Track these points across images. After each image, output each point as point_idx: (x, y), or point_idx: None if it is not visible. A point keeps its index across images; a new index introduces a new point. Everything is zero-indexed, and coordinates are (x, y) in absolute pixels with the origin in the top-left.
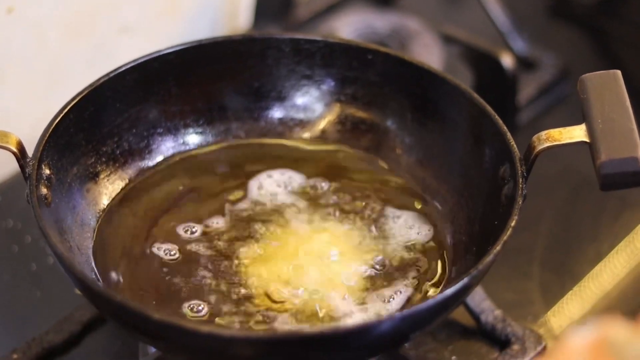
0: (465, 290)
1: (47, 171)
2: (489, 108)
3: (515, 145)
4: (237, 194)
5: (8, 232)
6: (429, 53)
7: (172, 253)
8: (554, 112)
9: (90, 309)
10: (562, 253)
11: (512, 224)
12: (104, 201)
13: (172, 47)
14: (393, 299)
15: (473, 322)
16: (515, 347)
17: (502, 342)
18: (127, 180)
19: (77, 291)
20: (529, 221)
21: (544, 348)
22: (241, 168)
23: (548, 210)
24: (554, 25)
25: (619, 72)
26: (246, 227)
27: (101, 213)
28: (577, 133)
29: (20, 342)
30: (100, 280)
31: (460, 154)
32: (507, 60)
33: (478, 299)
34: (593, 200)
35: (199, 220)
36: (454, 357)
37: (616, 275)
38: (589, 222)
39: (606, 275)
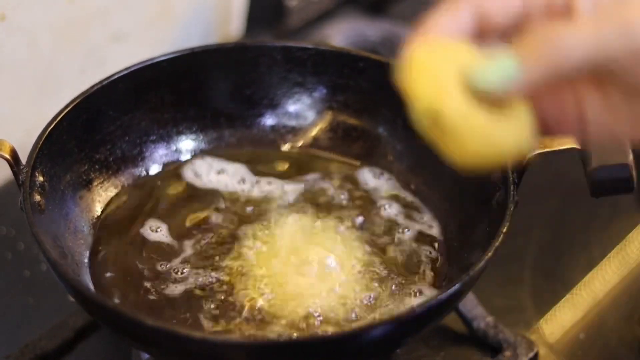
0: (457, 296)
1: (41, 178)
2: None
3: None
4: (229, 197)
5: (1, 239)
6: None
7: (166, 257)
8: None
9: (83, 316)
10: (554, 259)
11: (504, 230)
12: (97, 208)
13: (164, 54)
14: (384, 305)
15: (465, 329)
16: (507, 353)
17: (494, 349)
18: (120, 187)
19: (71, 298)
20: (521, 227)
21: (536, 355)
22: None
23: (539, 216)
24: None
25: None
26: (239, 229)
27: (94, 220)
28: (568, 139)
29: (13, 348)
30: (94, 287)
31: None
32: None
33: (470, 305)
34: (584, 206)
35: (193, 225)
36: None
37: (608, 282)
38: (580, 228)
39: (598, 282)
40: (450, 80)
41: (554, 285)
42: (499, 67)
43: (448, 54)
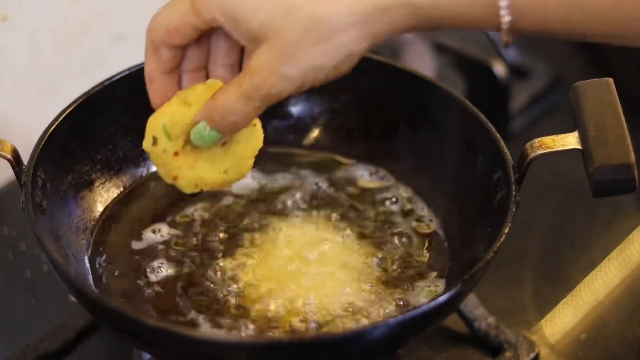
0: (459, 296)
1: (43, 178)
2: (481, 115)
3: (507, 152)
4: (229, 196)
5: (3, 240)
6: (421, 62)
7: (166, 257)
8: (546, 120)
9: (84, 317)
10: (555, 260)
11: (506, 230)
12: (99, 208)
13: None
14: (385, 305)
15: (466, 329)
16: (508, 354)
17: (495, 349)
18: (121, 188)
19: (72, 298)
20: (522, 228)
21: (537, 355)
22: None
23: (541, 217)
24: None
25: (610, 80)
26: (238, 227)
27: (96, 220)
28: (569, 140)
29: (14, 349)
30: (95, 287)
31: (453, 161)
32: (499, 69)
33: (471, 305)
34: (585, 207)
35: (193, 224)
36: None
37: (609, 283)
38: (581, 229)
39: (599, 283)
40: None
41: (555, 286)
42: (200, 131)
43: (166, 117)
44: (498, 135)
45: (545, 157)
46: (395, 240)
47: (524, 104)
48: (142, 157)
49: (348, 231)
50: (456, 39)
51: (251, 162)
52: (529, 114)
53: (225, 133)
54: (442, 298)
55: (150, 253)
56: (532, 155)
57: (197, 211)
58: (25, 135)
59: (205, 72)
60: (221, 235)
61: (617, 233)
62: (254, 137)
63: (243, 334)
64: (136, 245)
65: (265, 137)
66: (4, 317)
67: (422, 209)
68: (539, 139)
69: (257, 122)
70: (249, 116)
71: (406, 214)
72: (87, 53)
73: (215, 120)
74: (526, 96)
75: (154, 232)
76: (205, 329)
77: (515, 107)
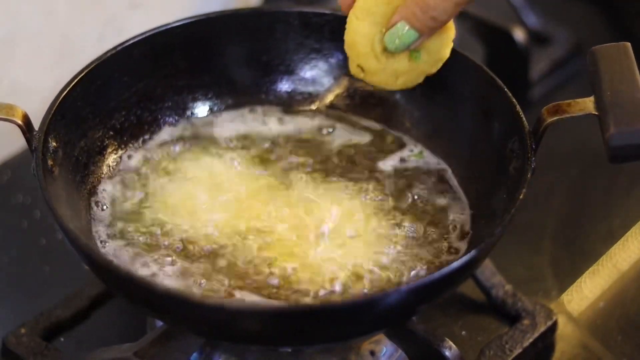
0: (473, 262)
1: (54, 144)
2: (498, 80)
3: (524, 118)
4: (242, 159)
5: (18, 207)
6: None
7: (178, 221)
8: (567, 88)
9: (98, 284)
10: (573, 229)
11: (521, 196)
12: (111, 174)
13: (179, 20)
14: (401, 271)
15: (483, 297)
16: (526, 322)
17: (512, 317)
18: (134, 154)
19: (86, 266)
20: (540, 197)
21: (555, 323)
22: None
23: (559, 185)
24: (567, 0)
25: (628, 44)
26: (249, 193)
27: (109, 186)
28: (586, 105)
29: (28, 316)
30: (107, 253)
31: (469, 127)
32: (519, 35)
33: (488, 273)
34: (604, 175)
35: (205, 190)
36: (464, 332)
37: (631, 253)
38: (600, 197)
39: (619, 251)
40: (367, 46)
41: (574, 255)
42: (397, 30)
43: (366, 24)
44: (514, 100)
45: (563, 123)
46: (411, 206)
47: (544, 70)
48: (155, 123)
49: (369, 194)
50: (476, 5)
51: (434, 70)
52: (549, 81)
53: (424, 31)
54: (455, 264)
55: (163, 216)
56: (549, 120)
57: (212, 174)
58: (41, 103)
59: None
60: (231, 197)
61: (637, 201)
62: (442, 48)
63: (254, 300)
64: (149, 209)
65: (279, 103)
66: (18, 285)
67: (438, 176)
68: (555, 103)
69: (450, 32)
70: (448, 13)
71: (422, 180)
72: (103, 20)
73: (416, 15)
74: (547, 63)
75: (167, 194)
76: (218, 296)
77: (536, 74)
